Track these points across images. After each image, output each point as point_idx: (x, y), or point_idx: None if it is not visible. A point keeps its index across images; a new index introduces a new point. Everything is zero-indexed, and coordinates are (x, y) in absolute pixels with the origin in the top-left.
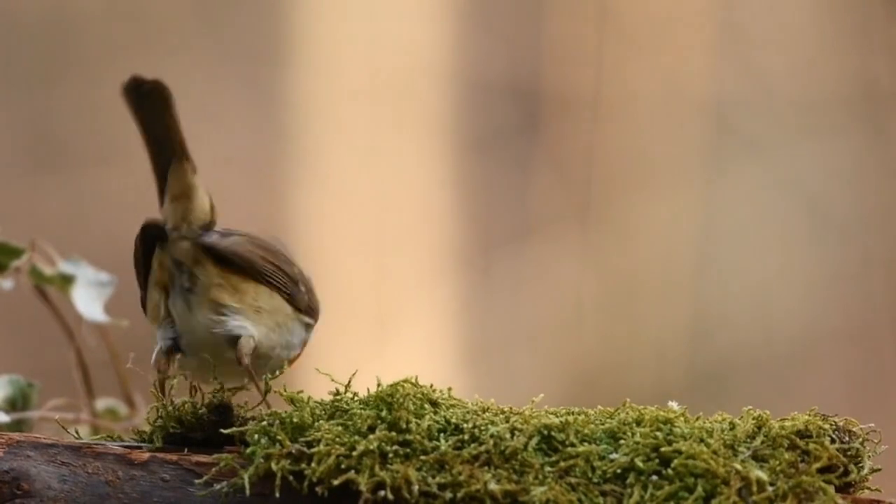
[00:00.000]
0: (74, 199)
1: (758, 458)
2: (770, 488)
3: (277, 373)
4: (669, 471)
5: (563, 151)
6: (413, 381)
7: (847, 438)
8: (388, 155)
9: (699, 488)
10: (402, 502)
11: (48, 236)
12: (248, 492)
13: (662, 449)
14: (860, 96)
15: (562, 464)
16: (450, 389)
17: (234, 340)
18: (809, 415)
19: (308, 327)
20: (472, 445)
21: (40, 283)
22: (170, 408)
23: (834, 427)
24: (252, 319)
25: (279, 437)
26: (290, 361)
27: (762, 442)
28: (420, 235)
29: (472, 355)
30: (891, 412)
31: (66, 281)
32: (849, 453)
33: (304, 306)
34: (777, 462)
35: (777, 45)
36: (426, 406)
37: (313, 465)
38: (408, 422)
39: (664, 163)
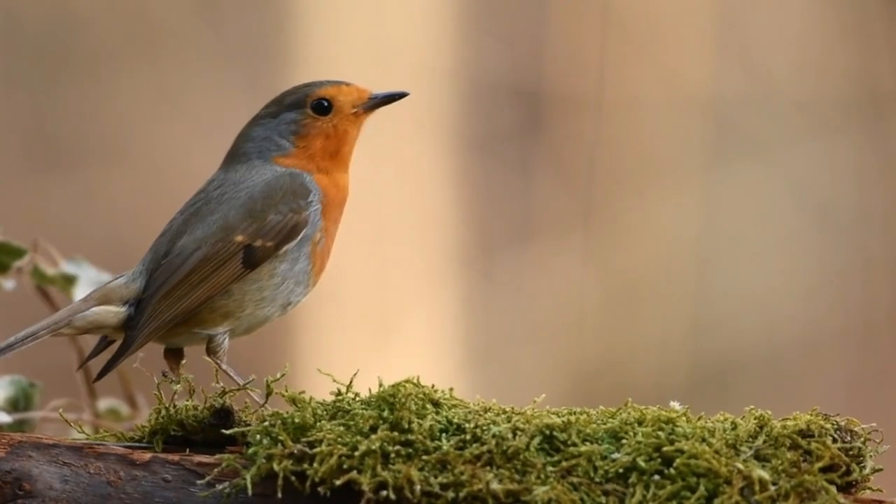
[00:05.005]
0: (76, 199)
1: (760, 457)
2: (772, 487)
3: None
4: (671, 470)
5: (566, 152)
6: (415, 381)
7: (849, 438)
8: (391, 155)
9: (701, 488)
10: (405, 502)
11: (50, 236)
12: (250, 492)
13: (664, 448)
14: (862, 96)
15: (564, 463)
16: (451, 390)
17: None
18: (811, 414)
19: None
20: (474, 445)
21: (42, 283)
22: (171, 410)
23: (836, 426)
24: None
25: (281, 438)
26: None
27: (764, 441)
28: (422, 236)
29: (473, 356)
30: (892, 412)
31: (68, 281)
32: (851, 453)
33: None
34: (779, 461)
35: (779, 46)
36: (428, 406)
37: (315, 465)
38: (410, 422)
39: (666, 163)
